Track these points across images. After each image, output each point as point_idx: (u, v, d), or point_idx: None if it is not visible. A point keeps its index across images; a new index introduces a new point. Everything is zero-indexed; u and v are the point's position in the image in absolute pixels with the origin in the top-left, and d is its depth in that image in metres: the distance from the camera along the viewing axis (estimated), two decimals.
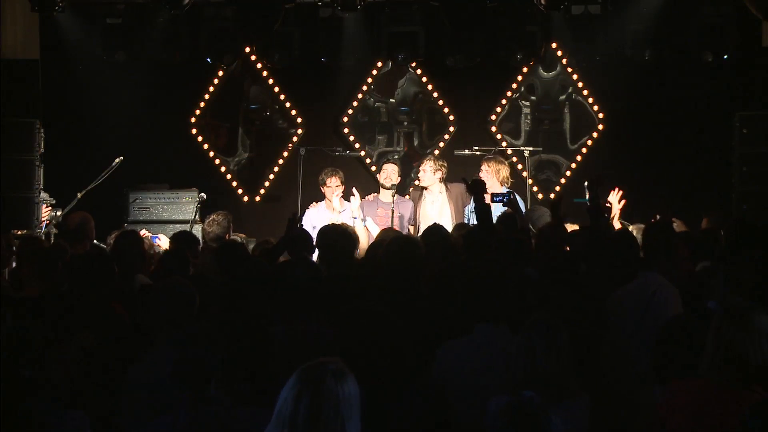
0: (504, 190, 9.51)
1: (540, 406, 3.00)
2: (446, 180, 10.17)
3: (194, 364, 3.89)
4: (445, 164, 10.19)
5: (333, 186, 9.90)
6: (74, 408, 4.03)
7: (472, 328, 4.83)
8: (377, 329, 4.07)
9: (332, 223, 7.82)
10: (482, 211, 6.94)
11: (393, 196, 10.08)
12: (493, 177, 9.76)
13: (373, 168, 11.78)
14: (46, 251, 6.77)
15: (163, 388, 4.19)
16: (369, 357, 3.97)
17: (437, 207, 10.08)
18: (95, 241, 8.59)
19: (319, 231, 6.83)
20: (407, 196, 10.68)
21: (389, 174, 10.09)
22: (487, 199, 8.96)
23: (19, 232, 9.81)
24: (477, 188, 7.22)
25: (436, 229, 7.02)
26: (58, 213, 10.15)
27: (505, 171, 9.95)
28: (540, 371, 4.09)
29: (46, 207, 10.26)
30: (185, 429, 3.81)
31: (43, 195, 10.32)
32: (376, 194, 10.23)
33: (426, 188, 10.17)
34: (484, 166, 9.92)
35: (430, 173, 10.07)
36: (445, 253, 6.52)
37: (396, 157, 11.37)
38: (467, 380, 4.60)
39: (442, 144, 11.92)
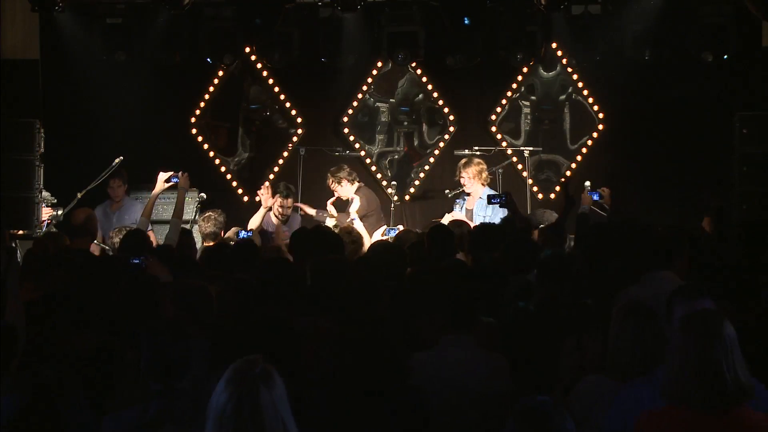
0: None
1: (553, 409, 2.98)
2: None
3: (166, 357, 3.89)
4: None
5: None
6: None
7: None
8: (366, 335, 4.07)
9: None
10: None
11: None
12: (477, 181, 9.70)
13: (374, 168, 11.77)
14: (47, 253, 6.73)
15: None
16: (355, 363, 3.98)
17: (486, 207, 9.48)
18: (96, 241, 8.60)
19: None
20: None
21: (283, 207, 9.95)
22: (483, 203, 8.98)
23: (20, 232, 9.79)
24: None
25: (441, 227, 7.11)
26: (59, 212, 10.14)
27: (485, 171, 9.85)
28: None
29: (47, 207, 10.25)
30: (154, 421, 3.80)
31: (45, 194, 10.32)
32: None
33: (469, 194, 9.90)
34: (463, 173, 9.74)
35: (476, 180, 9.81)
36: (449, 250, 6.55)
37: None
38: (435, 392, 4.40)
39: (442, 144, 11.91)
